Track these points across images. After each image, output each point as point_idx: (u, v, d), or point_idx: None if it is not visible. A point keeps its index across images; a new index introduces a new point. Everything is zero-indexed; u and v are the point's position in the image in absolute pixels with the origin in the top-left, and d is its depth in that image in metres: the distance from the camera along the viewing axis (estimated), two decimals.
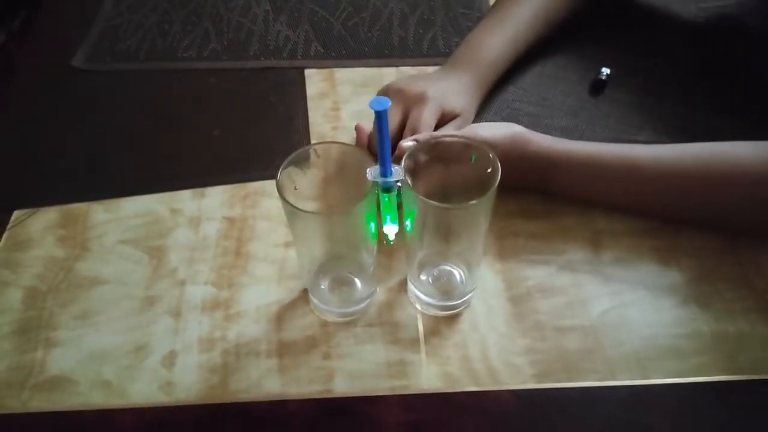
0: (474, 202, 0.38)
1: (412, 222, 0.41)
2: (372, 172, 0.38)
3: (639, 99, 0.60)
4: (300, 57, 0.67)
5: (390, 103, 0.37)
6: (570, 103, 0.60)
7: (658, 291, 0.46)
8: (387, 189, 0.40)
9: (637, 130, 0.57)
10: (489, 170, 0.39)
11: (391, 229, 0.44)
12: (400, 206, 0.41)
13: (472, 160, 0.41)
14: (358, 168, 0.40)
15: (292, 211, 0.37)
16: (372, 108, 0.36)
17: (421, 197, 0.37)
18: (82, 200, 0.54)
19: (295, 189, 0.40)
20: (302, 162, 0.40)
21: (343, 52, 0.67)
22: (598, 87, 0.61)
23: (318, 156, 0.41)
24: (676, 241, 0.49)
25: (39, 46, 0.70)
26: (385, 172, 0.39)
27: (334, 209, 0.42)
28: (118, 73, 0.66)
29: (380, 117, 0.37)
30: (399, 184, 0.39)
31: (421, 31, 0.69)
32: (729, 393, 0.42)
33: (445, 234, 0.43)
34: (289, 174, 0.39)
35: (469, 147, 0.40)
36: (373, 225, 0.41)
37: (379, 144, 0.38)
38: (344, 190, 0.42)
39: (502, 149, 0.46)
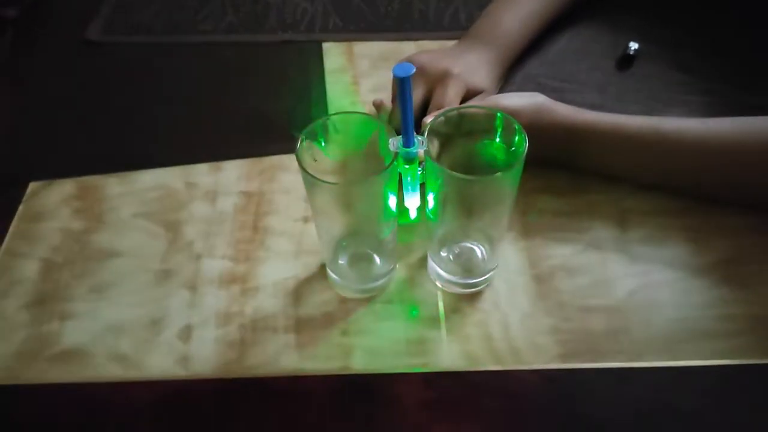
0: (499, 174, 0.36)
1: (435, 195, 0.39)
2: (394, 143, 0.37)
3: (669, 74, 0.57)
4: (318, 30, 0.65)
5: (414, 70, 0.35)
6: (597, 79, 0.58)
7: (689, 271, 0.45)
8: (409, 160, 0.39)
9: (666, 107, 0.55)
10: (515, 141, 0.37)
11: (412, 203, 0.42)
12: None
13: (498, 132, 0.39)
14: (378, 139, 0.38)
15: (312, 182, 0.36)
16: (395, 74, 0.35)
17: (444, 168, 0.36)
18: (98, 172, 0.53)
19: (315, 161, 0.39)
20: (322, 133, 0.39)
21: (362, 25, 0.66)
22: (626, 61, 0.59)
23: (337, 127, 0.40)
24: (707, 220, 0.47)
25: (53, 19, 0.69)
26: (407, 143, 0.37)
27: (354, 180, 0.41)
28: (133, 45, 0.65)
29: (403, 84, 0.35)
30: (422, 155, 0.38)
31: (442, 4, 0.67)
32: (763, 377, 0.40)
33: (468, 209, 0.42)
34: (308, 145, 0.38)
35: (493, 117, 0.39)
36: (393, 198, 0.39)
37: (402, 112, 0.37)
38: (364, 161, 0.41)
39: (526, 118, 0.45)
